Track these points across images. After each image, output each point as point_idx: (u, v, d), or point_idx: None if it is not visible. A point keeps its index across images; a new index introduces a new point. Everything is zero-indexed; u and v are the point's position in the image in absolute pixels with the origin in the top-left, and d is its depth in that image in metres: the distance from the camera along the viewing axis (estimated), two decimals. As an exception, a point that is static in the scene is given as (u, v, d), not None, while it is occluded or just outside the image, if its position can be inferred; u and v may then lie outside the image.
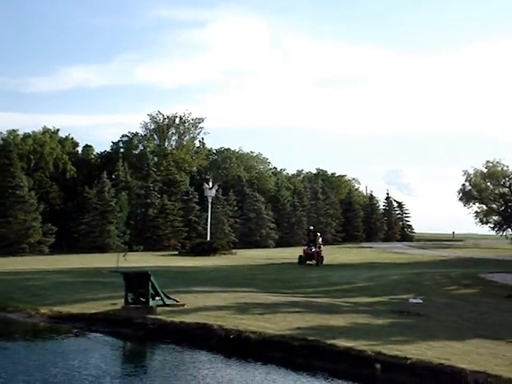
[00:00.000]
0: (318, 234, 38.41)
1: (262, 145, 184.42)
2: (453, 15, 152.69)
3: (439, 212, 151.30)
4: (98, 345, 14.09)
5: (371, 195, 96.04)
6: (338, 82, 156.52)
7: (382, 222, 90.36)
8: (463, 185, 54.79)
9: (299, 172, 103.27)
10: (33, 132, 72.65)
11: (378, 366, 10.86)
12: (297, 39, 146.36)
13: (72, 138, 78.29)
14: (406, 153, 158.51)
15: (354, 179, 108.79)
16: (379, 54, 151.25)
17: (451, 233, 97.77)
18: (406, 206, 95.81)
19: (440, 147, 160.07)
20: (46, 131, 74.43)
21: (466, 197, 54.75)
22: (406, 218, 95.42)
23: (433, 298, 20.59)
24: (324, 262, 35.86)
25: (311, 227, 42.36)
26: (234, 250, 52.34)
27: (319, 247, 36.67)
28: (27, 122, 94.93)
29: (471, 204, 55.36)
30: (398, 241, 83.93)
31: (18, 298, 19.78)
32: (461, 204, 55.71)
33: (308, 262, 35.80)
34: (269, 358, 12.12)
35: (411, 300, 19.64)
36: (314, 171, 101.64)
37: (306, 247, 37.41)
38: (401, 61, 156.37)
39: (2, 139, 68.34)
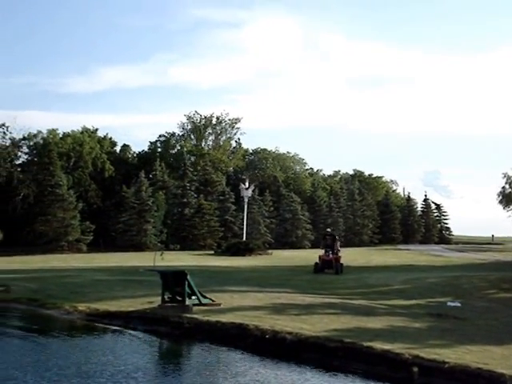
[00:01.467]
0: (337, 238, 34.44)
1: (298, 145, 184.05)
2: (497, 12, 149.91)
3: (478, 215, 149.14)
4: (134, 342, 14.21)
5: (409, 197, 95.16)
6: (376, 81, 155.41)
7: (420, 224, 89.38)
8: (503, 187, 53.94)
9: (336, 173, 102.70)
10: (72, 131, 73.63)
11: (415, 369, 10.73)
12: (334, 38, 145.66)
13: (110, 138, 79.19)
14: (444, 154, 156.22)
15: (391, 180, 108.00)
16: (418, 53, 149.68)
17: (490, 236, 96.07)
18: (444, 208, 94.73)
19: (479, 149, 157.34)
20: (84, 130, 75.39)
21: (506, 199, 53.87)
22: (444, 221, 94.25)
23: (471, 302, 20.24)
24: (360, 264, 35.40)
25: (328, 230, 37.01)
26: (269, 251, 52.36)
27: (337, 253, 31.97)
28: (66, 122, 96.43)
29: (511, 207, 54.44)
30: (435, 243, 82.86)
31: (56, 294, 20.11)
32: (500, 207, 54.92)
33: (326, 270, 30.66)
34: (304, 359, 12.07)
35: (449, 303, 19.35)
36: (351, 172, 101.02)
37: (322, 253, 32.00)
38: (440, 60, 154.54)
39: (43, 138, 69.45)
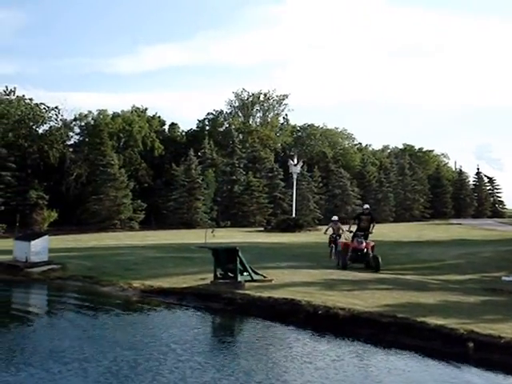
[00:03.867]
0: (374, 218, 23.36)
1: (346, 120, 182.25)
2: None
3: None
4: (188, 318, 14.43)
5: (460, 170, 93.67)
6: (426, 51, 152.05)
7: (472, 197, 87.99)
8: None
9: (385, 147, 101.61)
10: (122, 111, 74.52)
11: (470, 344, 10.62)
12: (378, 7, 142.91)
13: (159, 117, 79.87)
14: (496, 127, 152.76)
15: (442, 154, 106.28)
16: (468, 21, 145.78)
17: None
18: (496, 182, 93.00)
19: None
20: (134, 110, 76.22)
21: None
22: (498, 194, 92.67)
23: (527, 276, 19.87)
24: (412, 239, 34.52)
25: (366, 206, 23.66)
26: (319, 227, 52.25)
27: (365, 237, 21.56)
28: (115, 102, 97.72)
29: None
30: (488, 217, 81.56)
31: (110, 272, 20.53)
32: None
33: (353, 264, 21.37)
34: (357, 334, 12.06)
35: (504, 278, 19.03)
36: (401, 146, 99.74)
37: (351, 239, 22.00)
38: (490, 28, 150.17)
39: (93, 119, 70.51)
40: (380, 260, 20.67)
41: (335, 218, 26.40)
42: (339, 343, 11.81)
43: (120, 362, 10.16)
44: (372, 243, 21.73)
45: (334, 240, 24.75)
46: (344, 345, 11.68)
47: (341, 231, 24.89)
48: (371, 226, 21.83)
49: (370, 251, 21.24)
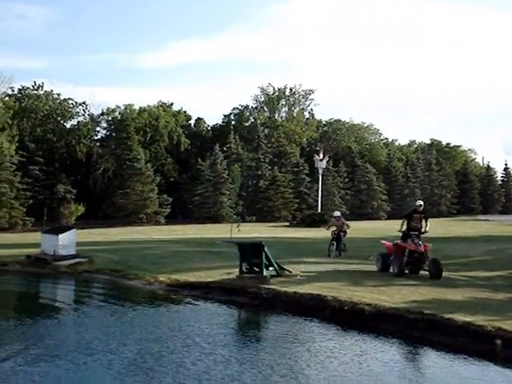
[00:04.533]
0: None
1: (372, 115, 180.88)
2: None
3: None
4: (213, 312, 14.48)
5: (488, 166, 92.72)
6: (456, 46, 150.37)
7: (500, 193, 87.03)
8: None
9: (412, 142, 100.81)
10: (148, 106, 74.95)
11: (498, 341, 10.49)
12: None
13: (185, 112, 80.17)
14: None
15: (469, 150, 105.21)
16: (498, 17, 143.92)
17: None
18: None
19: None
20: (160, 105, 76.57)
21: None
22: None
23: (556, 274, 19.57)
24: (438, 235, 34.02)
25: (419, 202, 19.36)
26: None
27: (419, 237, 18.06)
28: (142, 97, 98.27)
29: None
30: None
31: (137, 266, 20.71)
32: None
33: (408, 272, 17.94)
34: (383, 330, 11.99)
35: (533, 275, 18.75)
36: (428, 141, 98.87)
37: (405, 240, 18.06)
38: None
39: (120, 114, 71.02)
40: (441, 265, 17.25)
41: (337, 213, 25.37)
42: (364, 338, 11.76)
43: (144, 354, 10.25)
44: (429, 245, 18.03)
45: (336, 236, 23.64)
46: (369, 340, 11.63)
47: (345, 226, 24.26)
48: (425, 225, 18.46)
49: (429, 254, 17.63)
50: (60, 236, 22.44)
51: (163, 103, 77.53)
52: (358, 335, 11.99)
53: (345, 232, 23.99)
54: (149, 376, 9.01)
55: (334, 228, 24.29)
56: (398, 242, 18.31)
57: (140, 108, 73.43)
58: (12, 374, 9.18)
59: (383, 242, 19.65)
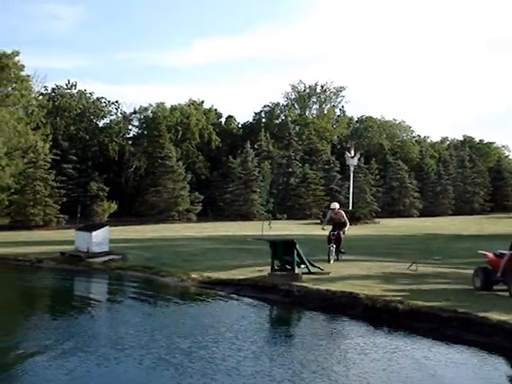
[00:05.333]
0: None
1: (404, 112, 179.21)
2: None
3: None
4: (244, 309, 14.51)
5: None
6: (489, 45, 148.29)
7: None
8: None
9: (444, 139, 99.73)
10: (179, 104, 75.41)
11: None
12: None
13: (215, 109, 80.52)
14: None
15: (503, 146, 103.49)
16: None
17: None
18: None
19: None
20: (191, 103, 76.99)
21: None
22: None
23: None
24: (472, 233, 33.67)
25: None
26: (376, 220, 51.82)
27: None
28: (173, 95, 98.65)
29: None
30: (552, 211, 78.98)
31: (169, 263, 20.88)
32: None
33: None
34: (416, 328, 11.88)
35: None
36: (460, 138, 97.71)
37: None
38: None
39: (152, 112, 71.59)
40: None
41: (335, 205, 21.23)
42: (397, 336, 11.67)
43: (174, 349, 10.33)
44: None
45: (335, 237, 20.06)
46: (402, 338, 11.54)
47: (343, 219, 20.46)
48: None
49: None
50: (93, 233, 22.72)
51: (194, 101, 77.97)
52: (390, 333, 11.90)
53: (343, 232, 20.33)
54: (178, 371, 9.05)
55: (332, 226, 20.70)
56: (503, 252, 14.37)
57: (171, 106, 73.95)
58: (43, 367, 9.35)
59: (485, 253, 15.30)
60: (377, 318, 12.67)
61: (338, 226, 20.37)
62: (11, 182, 50.21)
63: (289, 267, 16.51)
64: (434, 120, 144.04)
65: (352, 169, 55.57)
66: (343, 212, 21.09)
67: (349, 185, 56.12)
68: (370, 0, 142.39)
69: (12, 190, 49.78)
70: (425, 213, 69.28)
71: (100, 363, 9.54)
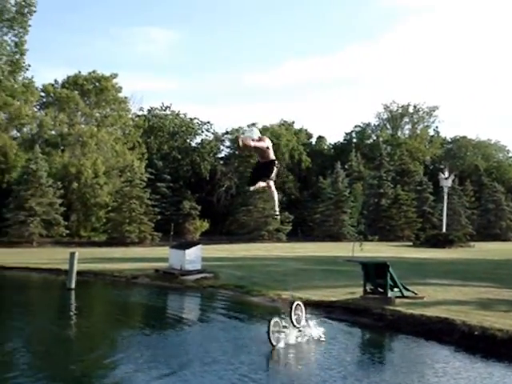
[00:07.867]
0: None
1: (499, 131, 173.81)
2: None
3: None
4: (336, 331, 14.37)
5: None
6: None
7: None
8: None
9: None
10: (270, 125, 76.13)
11: None
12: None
13: (306, 130, 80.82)
14: None
15: None
16: None
17: None
18: None
19: None
20: (282, 123, 77.58)
21: None
22: None
23: None
24: None
25: None
26: (471, 243, 50.30)
27: None
28: (264, 115, 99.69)
29: None
30: None
31: (260, 282, 21.02)
32: None
33: None
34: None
35: None
36: None
37: None
38: None
39: (243, 133, 72.61)
40: None
41: None
42: (494, 364, 11.28)
43: (257, 368, 10.61)
44: None
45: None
46: (499, 366, 11.14)
47: None
48: None
49: None
50: (187, 251, 23.18)
51: (285, 121, 78.52)
52: (486, 360, 11.52)
53: None
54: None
55: None
56: None
57: (263, 127, 74.72)
58: (123, 379, 9.93)
59: None
60: (473, 345, 12.28)
61: None
62: (109, 200, 52.25)
63: (381, 290, 16.29)
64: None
65: (446, 190, 54.32)
66: None
67: (442, 207, 54.85)
68: (454, 19, 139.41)
69: (109, 208, 51.74)
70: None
71: (188, 380, 9.91)
